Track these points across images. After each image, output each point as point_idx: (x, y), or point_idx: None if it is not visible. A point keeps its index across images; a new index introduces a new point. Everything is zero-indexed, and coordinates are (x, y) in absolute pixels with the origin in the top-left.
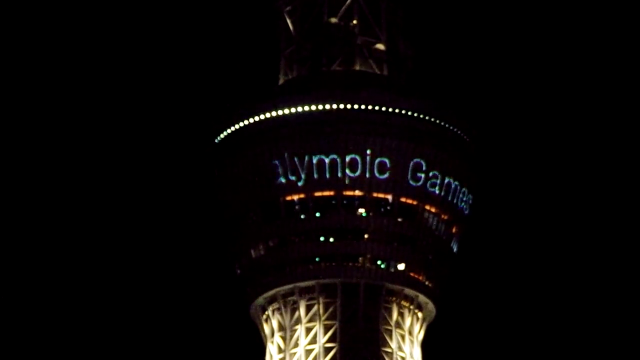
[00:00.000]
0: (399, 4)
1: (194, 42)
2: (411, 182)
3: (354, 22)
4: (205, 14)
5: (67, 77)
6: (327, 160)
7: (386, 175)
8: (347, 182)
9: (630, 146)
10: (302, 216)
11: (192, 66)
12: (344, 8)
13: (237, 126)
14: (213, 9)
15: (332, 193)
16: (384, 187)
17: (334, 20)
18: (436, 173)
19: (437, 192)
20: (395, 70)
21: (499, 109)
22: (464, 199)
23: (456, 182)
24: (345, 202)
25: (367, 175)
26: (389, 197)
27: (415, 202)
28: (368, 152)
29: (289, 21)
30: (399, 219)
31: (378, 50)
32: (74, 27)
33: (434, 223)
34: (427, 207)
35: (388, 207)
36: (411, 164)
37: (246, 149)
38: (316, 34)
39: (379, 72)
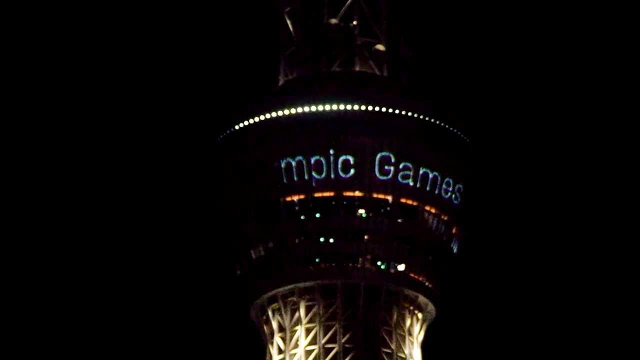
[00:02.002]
0: (399, 4)
1: (195, 42)
2: (380, 176)
3: (354, 22)
4: (205, 15)
5: (67, 78)
6: (293, 163)
7: (351, 173)
8: (314, 184)
9: (630, 145)
10: (302, 217)
11: (193, 67)
12: (344, 9)
13: (237, 127)
14: (214, 10)
15: (332, 194)
16: (350, 185)
17: (334, 21)
18: (408, 165)
19: (410, 183)
20: (395, 71)
21: (499, 109)
22: (450, 189)
23: (435, 173)
24: (345, 202)
25: (332, 176)
26: (389, 197)
27: (415, 203)
28: (331, 152)
29: (289, 22)
30: (399, 220)
31: (378, 51)
32: (74, 27)
33: (434, 223)
34: (427, 208)
35: (388, 208)
36: (377, 158)
37: (246, 150)
38: (316, 34)
39: (379, 73)
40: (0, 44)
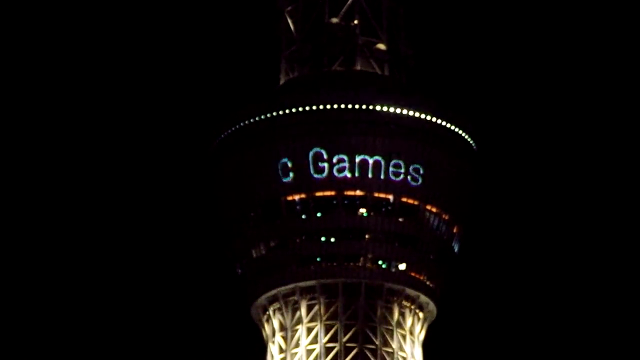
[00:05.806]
0: (400, 3)
1: (195, 42)
2: (315, 175)
3: (355, 22)
4: (205, 14)
5: (67, 78)
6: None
7: (290, 178)
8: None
9: (631, 145)
10: (303, 216)
11: (193, 66)
12: (345, 8)
13: (238, 126)
14: (214, 10)
15: (333, 193)
16: (291, 189)
17: (335, 20)
18: (342, 157)
19: (348, 175)
20: (396, 70)
21: (500, 108)
22: (401, 171)
23: (377, 157)
24: (346, 202)
25: (276, 182)
26: (390, 196)
27: (416, 202)
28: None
29: (290, 21)
30: (400, 219)
31: (379, 50)
32: (74, 27)
33: (435, 223)
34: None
35: (389, 207)
36: (310, 156)
37: (247, 149)
38: (317, 34)
39: (380, 72)
40: None
